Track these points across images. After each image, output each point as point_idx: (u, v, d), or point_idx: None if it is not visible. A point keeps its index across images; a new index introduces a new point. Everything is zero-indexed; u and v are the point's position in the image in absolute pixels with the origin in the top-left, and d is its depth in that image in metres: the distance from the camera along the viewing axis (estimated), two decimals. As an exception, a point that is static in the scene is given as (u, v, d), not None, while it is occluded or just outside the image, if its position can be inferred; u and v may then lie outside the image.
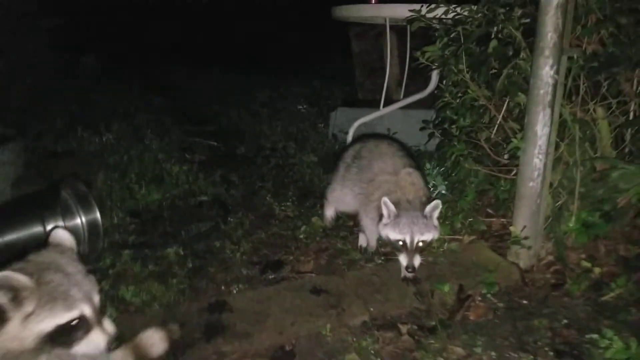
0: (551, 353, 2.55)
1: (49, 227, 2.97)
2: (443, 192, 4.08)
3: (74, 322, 1.70)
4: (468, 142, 3.82)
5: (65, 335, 1.69)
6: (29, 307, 1.63)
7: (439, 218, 2.98)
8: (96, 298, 1.80)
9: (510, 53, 3.30)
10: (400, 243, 2.86)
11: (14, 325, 1.63)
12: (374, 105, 5.65)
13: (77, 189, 3.24)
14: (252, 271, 3.32)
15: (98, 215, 3.23)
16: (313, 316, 2.75)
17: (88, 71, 7.43)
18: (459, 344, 2.61)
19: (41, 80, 5.61)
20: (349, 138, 5.52)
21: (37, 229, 3.10)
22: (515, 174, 3.33)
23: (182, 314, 2.69)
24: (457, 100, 3.74)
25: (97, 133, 5.36)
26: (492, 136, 3.66)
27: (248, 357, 2.49)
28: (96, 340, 1.75)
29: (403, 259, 2.87)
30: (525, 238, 3.16)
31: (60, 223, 2.94)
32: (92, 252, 3.28)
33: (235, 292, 3.05)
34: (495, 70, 3.44)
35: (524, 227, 3.16)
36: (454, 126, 3.81)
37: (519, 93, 3.27)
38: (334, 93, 7.93)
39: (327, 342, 2.61)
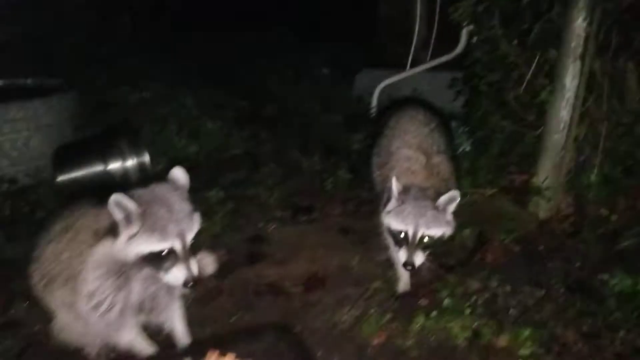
0: (563, 289, 2.75)
1: (109, 166, 3.30)
2: (467, 149, 4.23)
3: (164, 253, 1.91)
4: (495, 99, 3.93)
5: (155, 262, 1.93)
6: (134, 229, 1.89)
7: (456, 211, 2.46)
8: (189, 237, 1.96)
9: (544, 7, 3.36)
10: (402, 235, 2.39)
11: (121, 240, 1.91)
12: (399, 67, 5.75)
13: (129, 135, 3.53)
14: (285, 214, 3.58)
15: (148, 158, 3.51)
16: (342, 251, 3.01)
17: (123, 31, 7.63)
18: (476, 279, 2.82)
19: (81, 39, 5.87)
20: (374, 100, 5.67)
21: (99, 167, 3.44)
22: (541, 132, 3.46)
23: (226, 243, 2.97)
24: (487, 57, 3.82)
25: (136, 89, 5.65)
26: (521, 93, 3.74)
27: (284, 280, 2.77)
28: (177, 274, 1.93)
29: (402, 254, 2.38)
30: (547, 189, 3.32)
31: (119, 163, 3.26)
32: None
33: (271, 229, 3.31)
34: (527, 26, 3.51)
35: (546, 178, 3.32)
36: (482, 82, 3.90)
37: (551, 48, 3.33)
38: (357, 56, 8.00)
39: (355, 272, 2.87)
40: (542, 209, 3.41)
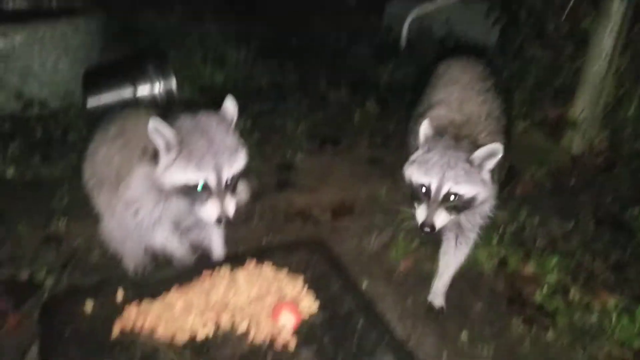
0: (592, 221, 2.75)
1: (138, 91, 3.30)
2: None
3: (198, 187, 1.85)
4: (534, 28, 3.78)
5: (189, 194, 1.87)
6: (171, 157, 1.85)
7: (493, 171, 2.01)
8: (227, 172, 1.87)
9: None
10: (423, 189, 1.97)
11: (160, 168, 1.88)
12: (432, -3, 5.53)
13: (157, 60, 3.50)
14: (312, 144, 3.58)
15: (175, 85, 3.50)
16: (370, 181, 3.02)
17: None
18: (504, 211, 2.82)
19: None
20: (404, 32, 5.51)
21: (128, 92, 3.45)
22: (581, 63, 3.34)
23: (255, 170, 2.99)
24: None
25: (160, 15, 5.57)
26: (561, 22, 3.59)
27: (313, 206, 2.81)
28: (210, 210, 1.87)
29: (420, 212, 1.97)
30: (582, 123, 3.25)
31: (148, 88, 3.26)
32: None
33: (299, 158, 3.32)
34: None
35: (582, 111, 3.24)
36: (522, 9, 3.75)
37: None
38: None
39: (383, 201, 2.89)
40: (575, 143, 3.36)
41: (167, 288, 1.88)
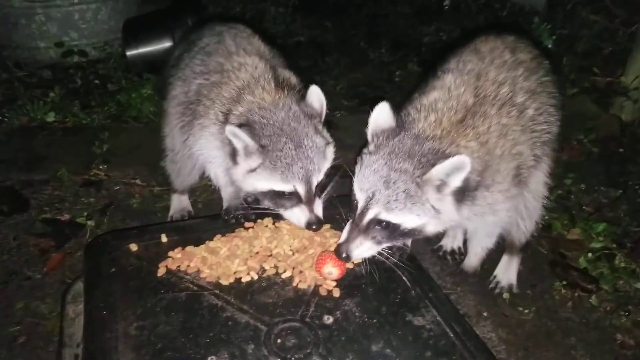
0: (641, 191, 2.65)
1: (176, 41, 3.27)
2: (549, 46, 3.95)
3: (286, 193, 1.73)
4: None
5: (276, 199, 1.76)
6: (253, 163, 1.72)
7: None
8: (316, 179, 1.74)
9: None
10: (354, 203, 1.61)
11: (239, 171, 1.77)
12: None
13: (195, 12, 3.45)
14: (352, 103, 3.52)
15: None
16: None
17: None
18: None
19: None
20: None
21: (168, 43, 3.42)
22: (635, 29, 3.18)
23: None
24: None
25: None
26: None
27: (352, 164, 2.74)
28: (299, 216, 1.76)
29: (344, 234, 1.63)
30: (634, 90, 3.11)
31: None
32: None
33: (338, 115, 3.26)
34: None
35: (635, 78, 3.09)
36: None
37: None
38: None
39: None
40: (626, 111, 3.22)
41: (210, 236, 1.88)
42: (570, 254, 2.32)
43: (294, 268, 1.75)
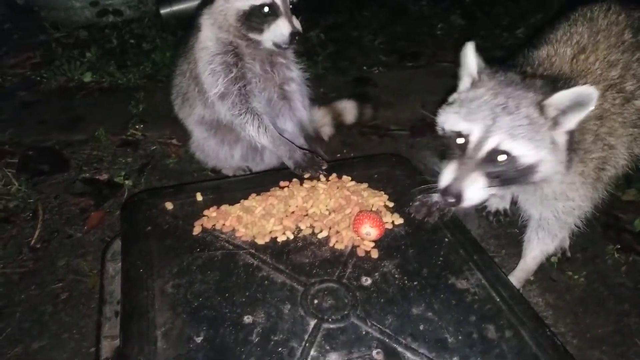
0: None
1: None
2: None
3: (265, 8, 1.85)
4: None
5: (257, 18, 1.87)
6: None
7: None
8: None
9: None
10: (459, 141, 1.39)
11: (220, 0, 1.89)
12: None
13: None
14: (391, 58, 3.38)
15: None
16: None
17: None
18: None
19: None
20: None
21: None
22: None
23: (330, 84, 2.85)
24: None
25: None
26: None
27: (390, 123, 2.66)
28: (282, 27, 1.87)
29: (447, 173, 1.40)
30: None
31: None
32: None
33: (376, 72, 3.14)
34: None
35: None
36: None
37: None
38: None
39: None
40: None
41: (245, 195, 1.84)
42: (625, 217, 2.18)
43: (330, 228, 1.70)
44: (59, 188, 2.43)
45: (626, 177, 2.28)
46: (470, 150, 1.33)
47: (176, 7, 3.47)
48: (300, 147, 1.97)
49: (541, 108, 1.29)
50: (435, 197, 1.68)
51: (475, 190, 1.34)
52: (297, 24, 1.91)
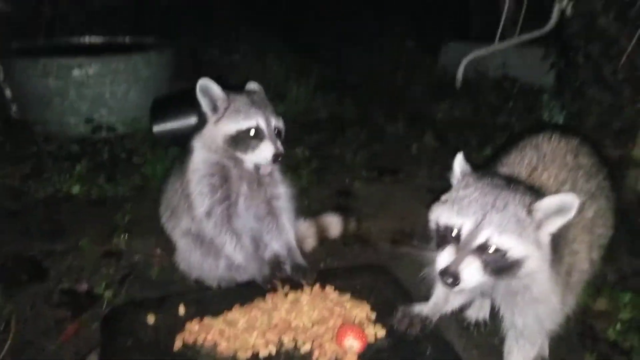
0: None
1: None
2: (560, 122, 4.04)
3: (251, 131, 2.03)
4: (593, 72, 3.72)
5: (243, 142, 2.04)
6: (219, 114, 2.05)
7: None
8: (272, 120, 2.08)
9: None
10: (453, 233, 1.50)
11: (209, 126, 2.07)
12: (486, 41, 5.57)
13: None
14: (371, 174, 3.57)
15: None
16: (430, 210, 2.94)
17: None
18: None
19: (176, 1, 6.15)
20: (460, 72, 5.51)
21: (194, 119, 3.55)
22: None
23: (314, 196, 2.98)
24: (585, 30, 3.64)
25: (226, 52, 5.84)
26: (619, 68, 3.52)
27: (372, 233, 2.76)
28: (265, 150, 2.04)
29: (443, 256, 1.49)
30: (646, 162, 3.12)
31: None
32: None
33: (357, 185, 3.31)
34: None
35: (646, 150, 3.12)
36: (579, 55, 3.71)
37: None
38: (442, 30, 7.78)
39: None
40: (640, 182, 3.21)
41: (228, 307, 1.85)
42: (599, 325, 2.23)
43: (313, 341, 1.70)
44: (36, 298, 2.38)
45: (596, 287, 2.37)
46: (463, 240, 1.46)
47: (169, 125, 3.66)
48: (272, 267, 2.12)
49: (529, 210, 1.45)
50: (417, 308, 1.74)
51: (472, 272, 1.44)
52: (280, 146, 2.08)
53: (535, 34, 5.37)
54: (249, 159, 2.08)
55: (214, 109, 2.06)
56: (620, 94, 3.62)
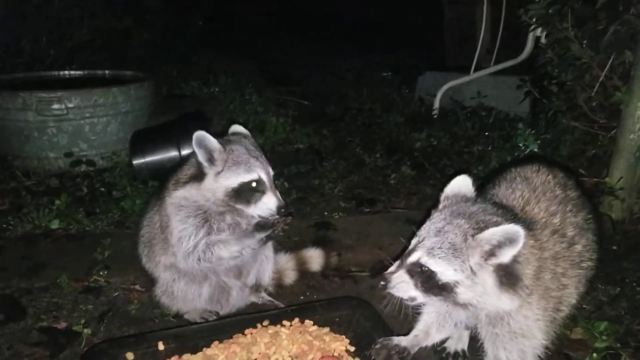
0: (638, 287, 2.65)
1: (183, 152, 3.46)
2: (535, 150, 4.16)
3: (253, 183, 2.04)
4: (566, 101, 3.85)
5: (245, 193, 2.05)
6: (219, 167, 2.04)
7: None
8: (271, 171, 2.12)
9: (621, 8, 3.30)
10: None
11: (209, 180, 2.06)
12: (462, 71, 5.74)
13: (202, 124, 3.67)
14: (350, 204, 3.63)
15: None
16: (408, 240, 2.99)
17: (194, 31, 7.92)
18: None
19: (155, 36, 6.23)
20: (437, 101, 5.66)
21: (174, 153, 3.60)
22: (614, 133, 3.38)
23: (294, 230, 3.01)
24: (558, 58, 3.76)
25: (205, 84, 5.91)
26: (592, 95, 3.64)
27: (351, 265, 2.80)
28: (268, 202, 2.06)
29: (390, 267, 1.72)
30: (621, 189, 3.22)
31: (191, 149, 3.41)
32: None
33: (336, 217, 3.35)
34: (602, 27, 3.45)
35: (620, 179, 3.22)
36: (553, 83, 3.84)
37: (626, 50, 3.28)
38: (418, 61, 8.02)
39: (423, 262, 2.84)
40: (615, 210, 3.30)
41: (207, 343, 1.86)
42: (575, 355, 2.27)
43: (293, 375, 1.72)
44: (14, 338, 2.36)
45: (572, 316, 2.42)
46: (403, 257, 1.64)
47: (149, 159, 3.70)
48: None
49: (466, 241, 1.53)
50: (396, 340, 1.78)
51: (400, 282, 1.62)
52: (280, 197, 2.11)
53: (510, 62, 5.58)
54: (252, 211, 2.09)
55: (210, 159, 2.05)
56: (594, 121, 3.76)
